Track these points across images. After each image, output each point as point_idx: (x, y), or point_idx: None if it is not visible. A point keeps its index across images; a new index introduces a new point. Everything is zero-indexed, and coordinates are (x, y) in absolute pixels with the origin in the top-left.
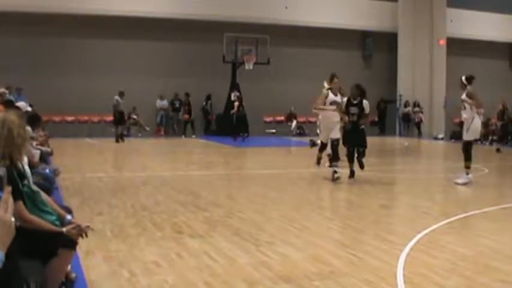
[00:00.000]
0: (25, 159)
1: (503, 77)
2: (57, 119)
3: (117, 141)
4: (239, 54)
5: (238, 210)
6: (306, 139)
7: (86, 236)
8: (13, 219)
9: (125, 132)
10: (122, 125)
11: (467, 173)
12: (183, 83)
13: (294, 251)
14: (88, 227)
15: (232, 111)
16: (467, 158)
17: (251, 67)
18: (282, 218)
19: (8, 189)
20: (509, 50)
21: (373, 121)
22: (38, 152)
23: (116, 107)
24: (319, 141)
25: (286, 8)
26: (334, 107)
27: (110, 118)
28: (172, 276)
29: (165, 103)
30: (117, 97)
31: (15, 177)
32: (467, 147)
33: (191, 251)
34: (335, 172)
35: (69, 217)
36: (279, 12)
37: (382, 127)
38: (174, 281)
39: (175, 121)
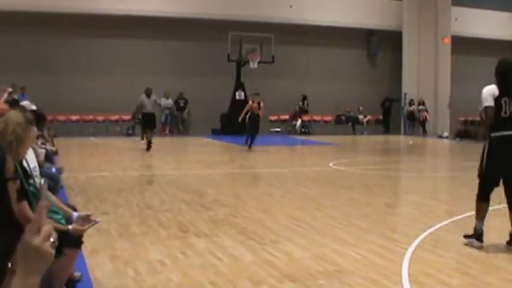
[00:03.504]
0: (33, 158)
1: None
2: (62, 118)
3: (148, 148)
4: (244, 53)
5: (243, 209)
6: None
7: (96, 222)
8: (52, 251)
9: (130, 131)
10: (150, 129)
11: None
12: (187, 82)
13: (298, 250)
14: (95, 221)
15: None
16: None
17: (256, 66)
18: (287, 216)
19: (45, 204)
20: None
21: (377, 120)
22: (43, 151)
23: (140, 108)
24: None
25: (290, 6)
26: None
27: (115, 117)
28: (177, 275)
29: (170, 102)
30: (142, 96)
31: (22, 177)
32: None
33: (196, 250)
34: None
35: (76, 214)
36: (284, 11)
37: (387, 126)
38: (179, 280)
39: (180, 120)
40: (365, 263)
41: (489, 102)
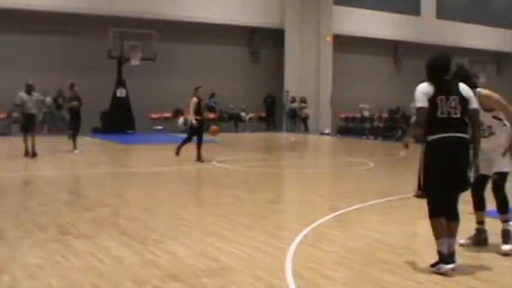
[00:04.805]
0: None
1: (388, 74)
2: None
3: (25, 154)
4: (125, 50)
5: (125, 209)
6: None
7: None
8: None
9: (5, 131)
10: (28, 132)
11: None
12: (67, 79)
13: (182, 249)
14: None
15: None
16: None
17: (137, 63)
18: (170, 215)
19: None
20: (394, 48)
21: (260, 117)
22: None
23: (21, 107)
24: None
25: (173, 3)
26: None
27: None
28: (57, 279)
29: (48, 100)
30: (21, 94)
31: None
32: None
33: (77, 252)
34: None
35: None
36: (167, 8)
37: (270, 123)
38: (59, 284)
39: (60, 118)
40: (249, 260)
41: (422, 102)
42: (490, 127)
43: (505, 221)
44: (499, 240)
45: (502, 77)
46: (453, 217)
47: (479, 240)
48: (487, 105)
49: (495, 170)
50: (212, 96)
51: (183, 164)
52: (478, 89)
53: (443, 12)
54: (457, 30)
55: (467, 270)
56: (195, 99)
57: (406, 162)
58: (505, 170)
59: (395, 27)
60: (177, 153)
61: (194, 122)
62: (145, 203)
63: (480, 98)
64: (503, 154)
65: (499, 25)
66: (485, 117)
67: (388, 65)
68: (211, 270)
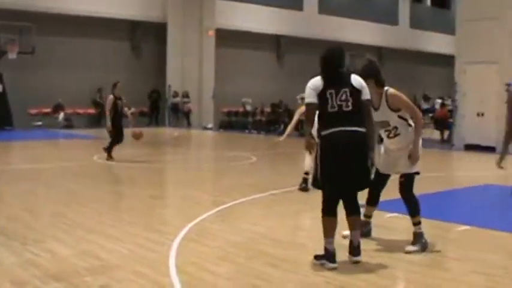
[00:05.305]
0: None
1: (271, 68)
2: None
3: None
4: (1, 43)
5: (3, 209)
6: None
7: None
8: None
9: None
10: None
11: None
12: None
13: (63, 248)
14: None
15: None
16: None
17: (15, 56)
18: (51, 214)
19: None
20: (277, 42)
21: (142, 112)
22: None
23: None
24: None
25: None
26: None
27: None
28: None
29: None
30: None
31: None
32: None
33: None
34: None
35: None
36: (44, 0)
37: (153, 118)
38: None
39: None
40: (132, 257)
41: (310, 98)
42: (396, 128)
43: (415, 224)
44: (384, 233)
45: (384, 71)
46: (352, 212)
47: (363, 232)
48: (394, 105)
49: (402, 171)
50: (99, 91)
51: (63, 160)
52: (385, 88)
53: (326, 7)
54: (340, 26)
55: (361, 265)
56: (111, 96)
57: (289, 156)
58: (412, 171)
59: (278, 22)
60: (110, 156)
61: (109, 124)
62: (25, 201)
63: (387, 97)
64: (409, 157)
65: (382, 21)
66: (392, 117)
67: (271, 60)
68: (93, 268)
